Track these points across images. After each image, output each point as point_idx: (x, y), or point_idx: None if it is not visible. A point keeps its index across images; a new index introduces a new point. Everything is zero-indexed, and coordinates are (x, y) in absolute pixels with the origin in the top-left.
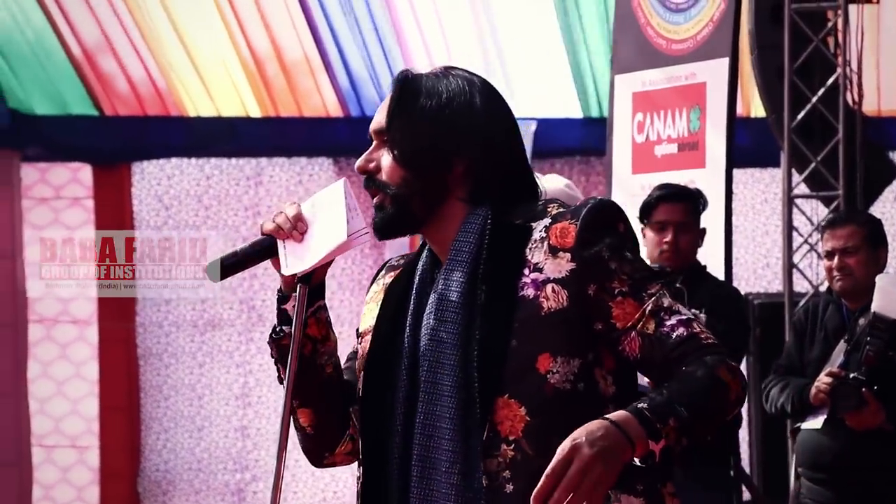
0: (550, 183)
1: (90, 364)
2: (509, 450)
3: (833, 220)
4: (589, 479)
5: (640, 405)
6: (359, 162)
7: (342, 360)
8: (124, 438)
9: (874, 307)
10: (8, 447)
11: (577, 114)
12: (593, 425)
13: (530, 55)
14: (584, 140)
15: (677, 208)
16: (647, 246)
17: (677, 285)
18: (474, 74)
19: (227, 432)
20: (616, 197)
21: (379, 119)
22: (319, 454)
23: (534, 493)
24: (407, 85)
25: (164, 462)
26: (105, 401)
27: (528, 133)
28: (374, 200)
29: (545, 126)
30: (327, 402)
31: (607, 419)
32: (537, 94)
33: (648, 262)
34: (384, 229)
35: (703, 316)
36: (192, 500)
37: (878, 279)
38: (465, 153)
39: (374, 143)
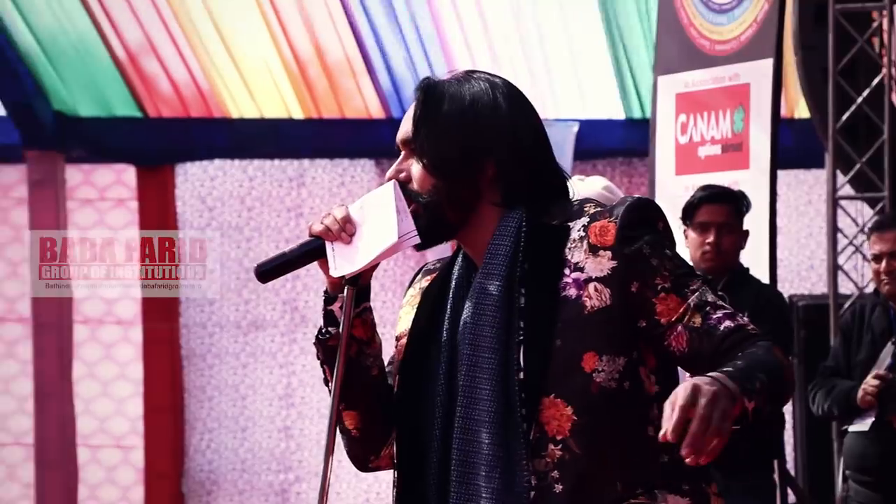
0: (589, 185)
1: (134, 365)
2: (557, 450)
3: (880, 223)
4: (717, 414)
5: (724, 369)
6: (389, 173)
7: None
8: (169, 439)
9: None
10: (54, 447)
11: (620, 115)
12: (698, 378)
13: (573, 56)
14: (627, 141)
15: (720, 209)
16: (690, 247)
17: (718, 292)
18: (496, 76)
19: (271, 433)
20: (659, 198)
21: (405, 129)
22: (364, 458)
23: (670, 428)
24: (430, 92)
25: (209, 462)
26: (149, 401)
27: (570, 134)
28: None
29: (587, 127)
30: (373, 404)
31: (707, 375)
32: (580, 95)
33: (691, 263)
34: (419, 237)
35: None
36: (235, 501)
37: None
38: (492, 155)
39: (403, 153)
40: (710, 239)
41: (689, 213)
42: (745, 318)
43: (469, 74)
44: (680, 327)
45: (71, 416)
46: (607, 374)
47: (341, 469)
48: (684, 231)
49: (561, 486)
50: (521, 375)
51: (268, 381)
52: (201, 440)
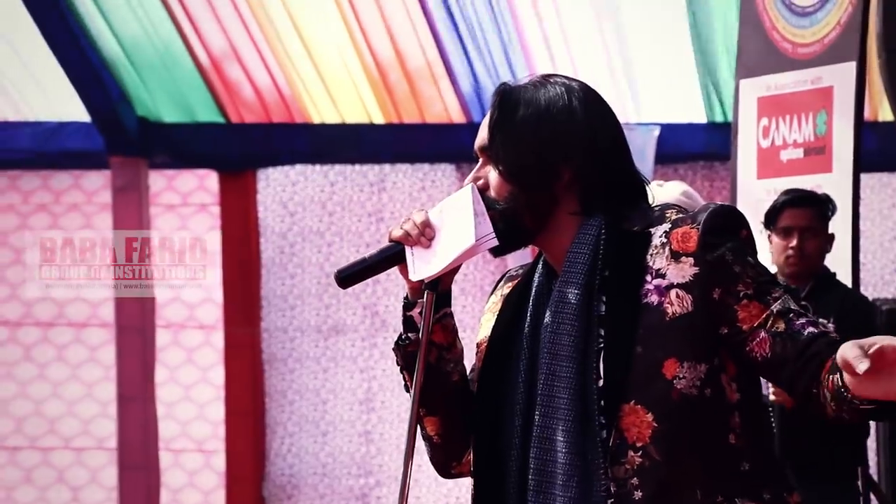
0: (668, 190)
1: (216, 369)
2: (637, 456)
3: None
4: None
5: None
6: (467, 180)
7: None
8: (250, 443)
9: None
10: (136, 451)
11: (702, 118)
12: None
13: (654, 60)
14: (709, 145)
15: (803, 213)
16: (773, 252)
17: (802, 298)
18: (574, 80)
19: (351, 437)
20: (741, 202)
21: (482, 136)
22: (446, 464)
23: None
24: (505, 98)
25: (289, 466)
26: (231, 405)
27: (651, 138)
28: None
29: (669, 131)
30: (454, 410)
31: None
32: (661, 98)
33: (775, 268)
34: (497, 246)
35: (830, 325)
36: None
37: None
38: (569, 162)
39: (480, 159)
40: (794, 243)
41: (771, 218)
42: (830, 326)
43: (546, 79)
44: (763, 333)
45: (153, 420)
46: (688, 380)
47: (421, 473)
48: (768, 236)
49: (640, 493)
50: (601, 383)
51: (348, 386)
52: (282, 444)
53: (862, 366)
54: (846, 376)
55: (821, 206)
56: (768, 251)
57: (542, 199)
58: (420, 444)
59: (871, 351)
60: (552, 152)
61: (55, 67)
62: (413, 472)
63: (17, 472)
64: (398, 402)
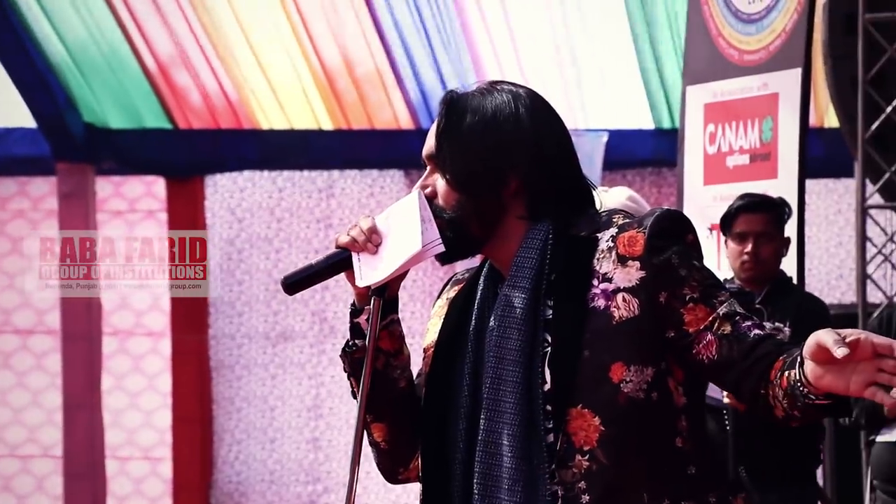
0: (613, 196)
1: (163, 376)
2: (584, 460)
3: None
4: None
5: (795, 353)
6: (414, 188)
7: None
8: (197, 450)
9: None
10: (82, 459)
11: (649, 125)
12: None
13: (602, 66)
14: (656, 151)
15: (757, 218)
16: (729, 257)
17: (756, 305)
18: (521, 87)
19: (300, 444)
20: (687, 208)
21: (429, 144)
22: (393, 470)
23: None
24: (452, 106)
25: (237, 474)
26: (178, 412)
27: (599, 144)
28: None
29: (617, 137)
30: (401, 416)
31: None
32: (609, 105)
33: (732, 273)
34: (444, 253)
35: (787, 329)
36: None
37: None
38: (516, 169)
39: (428, 167)
40: (749, 248)
41: (727, 223)
42: (785, 329)
43: (493, 86)
44: (709, 335)
45: (100, 427)
46: (635, 384)
47: (369, 480)
48: (726, 241)
49: (587, 497)
50: (547, 387)
51: (296, 393)
52: (230, 451)
53: (840, 350)
54: (808, 367)
55: (775, 210)
56: (726, 256)
57: (490, 206)
58: (368, 450)
59: (849, 339)
60: (499, 160)
61: (1, 72)
62: (361, 479)
63: None
64: (346, 408)
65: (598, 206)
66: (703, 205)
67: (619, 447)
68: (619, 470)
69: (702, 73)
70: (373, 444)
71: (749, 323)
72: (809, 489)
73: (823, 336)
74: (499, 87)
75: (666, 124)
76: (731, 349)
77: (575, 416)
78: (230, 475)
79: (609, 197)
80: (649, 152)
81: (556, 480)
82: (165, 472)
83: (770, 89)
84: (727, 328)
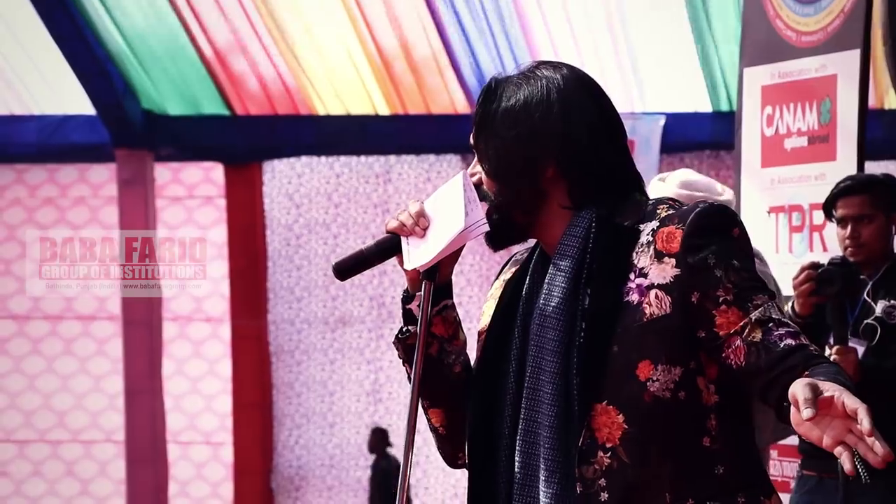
0: (668, 185)
1: (223, 361)
2: (606, 457)
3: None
4: None
5: (820, 372)
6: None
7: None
8: (257, 435)
9: None
10: (144, 444)
11: (707, 108)
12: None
13: (660, 50)
14: (714, 134)
15: (853, 201)
16: (839, 242)
17: (861, 276)
18: (563, 69)
19: (359, 428)
20: (745, 191)
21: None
22: (453, 454)
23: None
24: (489, 94)
25: (297, 458)
26: (238, 398)
27: (657, 128)
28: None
29: (674, 120)
30: (458, 402)
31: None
32: (667, 88)
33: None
34: (492, 239)
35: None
36: (324, 496)
37: None
38: (548, 157)
39: (477, 154)
40: (848, 233)
41: (828, 210)
42: (808, 339)
43: (533, 70)
44: (738, 341)
45: (161, 412)
46: (662, 383)
47: (429, 464)
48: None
49: (607, 495)
50: (576, 380)
51: (355, 377)
52: (290, 436)
53: (806, 412)
54: (792, 410)
55: (873, 189)
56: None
57: (528, 194)
58: (429, 434)
59: (822, 397)
60: (530, 149)
61: (60, 61)
62: (421, 462)
63: (26, 466)
64: (405, 392)
65: (648, 192)
66: (762, 187)
67: (641, 446)
68: (640, 469)
69: (759, 55)
70: (432, 429)
71: (782, 331)
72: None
73: (799, 390)
74: (538, 72)
75: (724, 107)
76: (759, 357)
77: (600, 411)
78: (290, 460)
79: (664, 187)
80: (707, 135)
81: (577, 476)
82: (226, 457)
83: (828, 71)
84: (757, 335)
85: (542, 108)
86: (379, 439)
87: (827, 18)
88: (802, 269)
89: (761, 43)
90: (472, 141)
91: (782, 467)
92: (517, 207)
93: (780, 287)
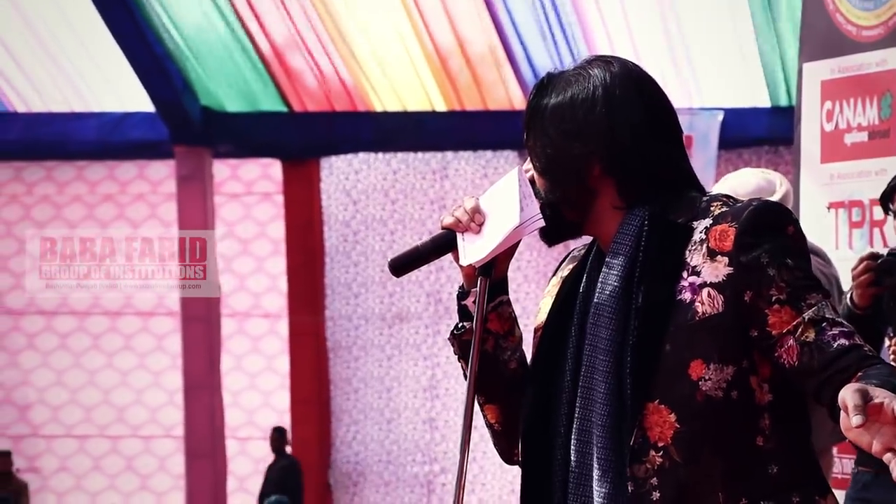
0: (742, 179)
1: (281, 357)
2: (657, 456)
3: None
4: None
5: (874, 381)
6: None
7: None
8: (315, 430)
9: None
10: (203, 440)
11: (766, 103)
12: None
13: (717, 45)
14: (772, 129)
15: None
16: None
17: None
18: (615, 65)
19: (416, 424)
20: (805, 186)
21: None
22: (510, 451)
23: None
24: (539, 91)
25: (355, 454)
26: (296, 393)
27: (715, 123)
28: None
29: (733, 116)
30: (514, 398)
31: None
32: (725, 84)
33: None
34: (546, 235)
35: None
36: (381, 492)
37: None
38: (593, 155)
39: (528, 150)
40: None
41: (885, 203)
42: (861, 339)
43: (585, 67)
44: (791, 340)
45: (219, 408)
46: (714, 382)
47: (486, 460)
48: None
49: (659, 494)
50: (629, 379)
51: (412, 373)
52: (347, 432)
53: (856, 419)
54: (842, 414)
55: None
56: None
57: (576, 192)
58: (486, 431)
59: (872, 403)
60: (575, 147)
61: (120, 58)
62: (478, 459)
63: (86, 461)
64: (462, 388)
65: (704, 188)
66: (821, 182)
67: (693, 446)
68: (693, 469)
69: (819, 50)
70: (488, 425)
71: (836, 331)
72: None
73: (848, 396)
74: (588, 69)
75: (783, 101)
76: (812, 358)
77: (652, 410)
78: (348, 455)
79: (732, 178)
80: (765, 130)
81: (629, 475)
82: None
83: (889, 65)
84: (810, 335)
85: (586, 106)
86: (278, 438)
87: (888, 13)
88: (861, 260)
89: (821, 37)
90: (524, 137)
91: (842, 465)
92: (566, 205)
93: (842, 288)
